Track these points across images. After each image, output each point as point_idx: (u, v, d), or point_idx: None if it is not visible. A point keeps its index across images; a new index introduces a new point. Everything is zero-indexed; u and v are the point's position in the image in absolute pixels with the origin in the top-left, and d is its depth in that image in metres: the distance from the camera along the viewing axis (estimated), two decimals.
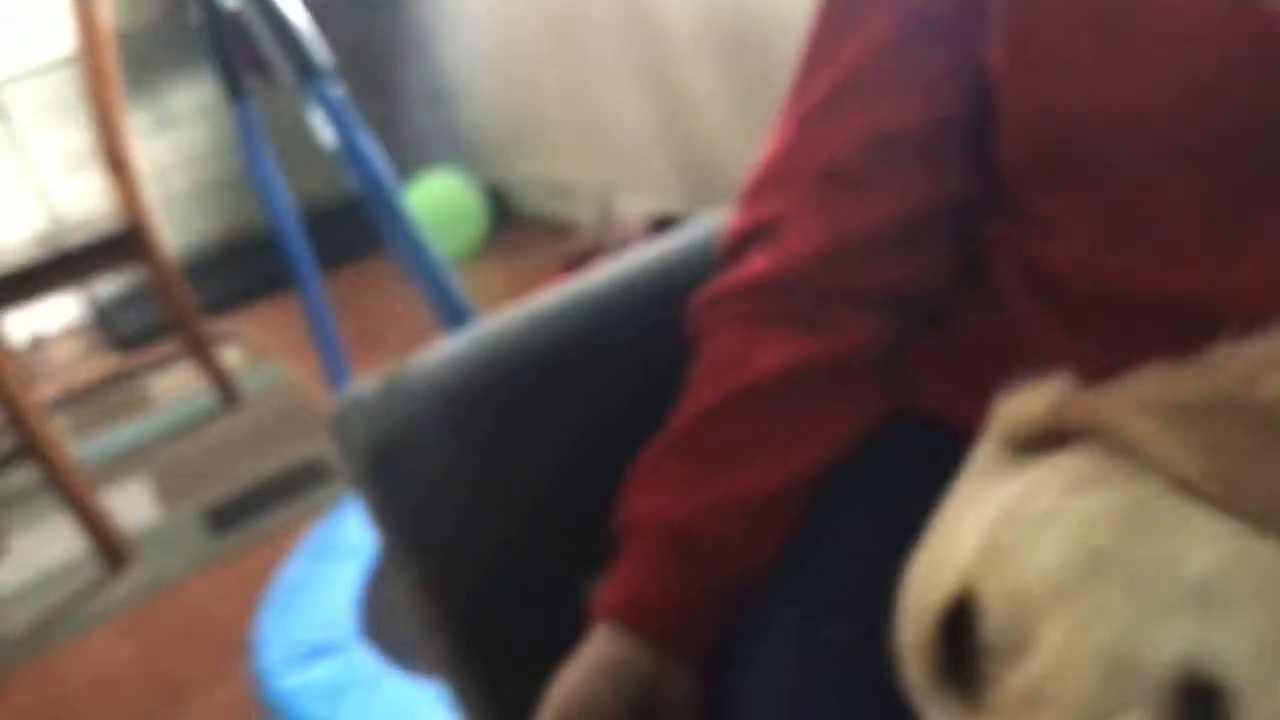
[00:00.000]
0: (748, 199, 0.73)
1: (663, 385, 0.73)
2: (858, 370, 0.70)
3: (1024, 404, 0.49)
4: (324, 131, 1.19)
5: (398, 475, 0.78)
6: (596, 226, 2.98)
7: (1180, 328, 0.55)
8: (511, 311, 0.84)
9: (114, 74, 2.38)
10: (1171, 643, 0.40)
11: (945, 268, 0.70)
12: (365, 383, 0.82)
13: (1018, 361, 0.65)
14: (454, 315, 1.15)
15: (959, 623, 0.44)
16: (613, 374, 0.81)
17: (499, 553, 0.79)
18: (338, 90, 1.16)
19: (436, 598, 0.80)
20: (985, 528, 0.44)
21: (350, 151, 1.12)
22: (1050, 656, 0.41)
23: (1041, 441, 0.47)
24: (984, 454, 0.50)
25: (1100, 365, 0.61)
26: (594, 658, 0.67)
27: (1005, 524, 0.44)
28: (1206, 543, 0.42)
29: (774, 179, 0.72)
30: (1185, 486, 0.43)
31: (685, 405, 0.70)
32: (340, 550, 1.86)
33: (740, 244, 0.72)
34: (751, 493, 0.67)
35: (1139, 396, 0.45)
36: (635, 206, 2.92)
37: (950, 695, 0.44)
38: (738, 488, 0.67)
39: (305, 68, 1.13)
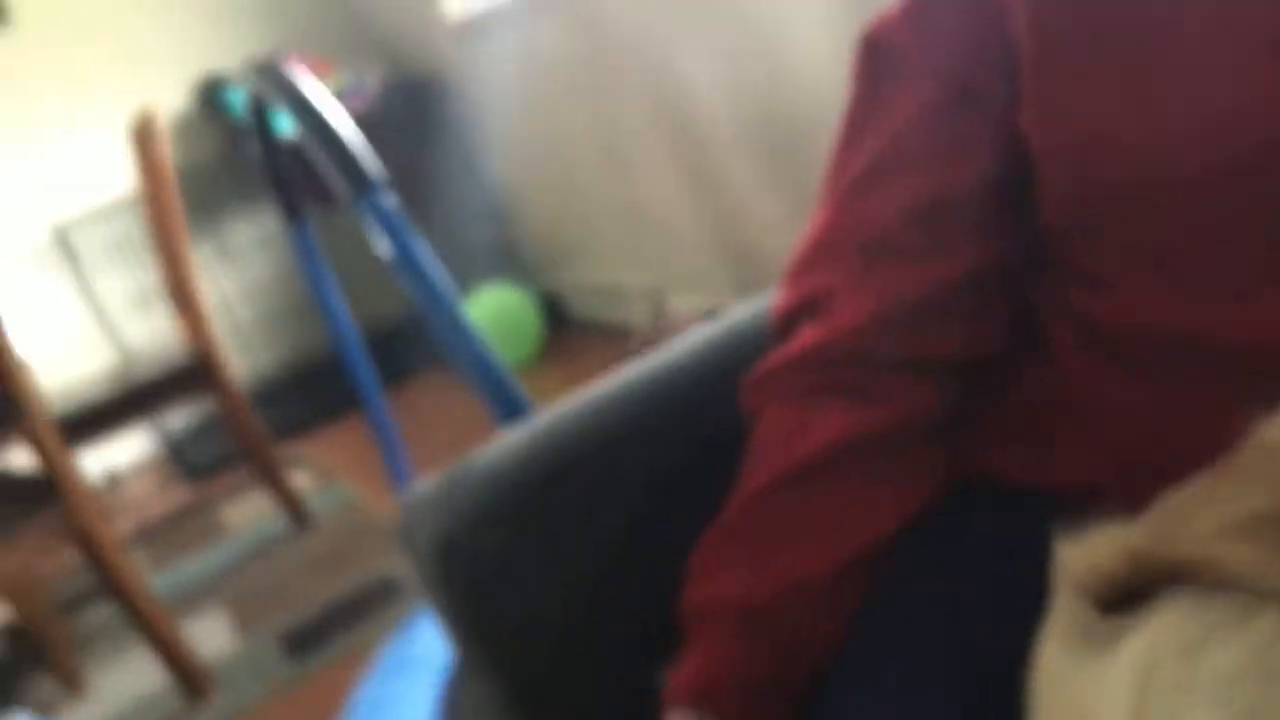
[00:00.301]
0: (794, 275, 0.74)
1: (719, 465, 0.73)
2: (915, 440, 0.69)
3: (1095, 551, 0.47)
4: (379, 244, 1.22)
5: (463, 567, 0.78)
6: (650, 326, 3.01)
7: (1243, 371, 0.54)
8: (568, 400, 0.85)
9: (177, 211, 2.47)
10: None
11: (997, 331, 0.69)
12: (429, 480, 0.83)
13: (1078, 421, 0.65)
14: (514, 414, 1.17)
15: None
16: (669, 456, 0.82)
17: (563, 640, 0.79)
18: (390, 199, 1.19)
19: (505, 689, 0.80)
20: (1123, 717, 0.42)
21: (405, 260, 1.15)
22: None
23: (1124, 591, 0.45)
24: (1065, 611, 0.48)
25: (1164, 414, 0.60)
26: None
27: (1144, 710, 0.41)
28: None
29: (820, 253, 0.72)
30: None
31: (742, 485, 0.70)
32: (415, 663, 1.85)
33: (789, 319, 0.73)
34: (814, 570, 0.66)
35: (1216, 519, 0.43)
36: (687, 305, 2.95)
37: None
38: (800, 567, 0.66)
39: (357, 180, 1.17)
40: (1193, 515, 0.44)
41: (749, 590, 0.66)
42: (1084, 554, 0.47)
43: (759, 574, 0.66)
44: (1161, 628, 0.43)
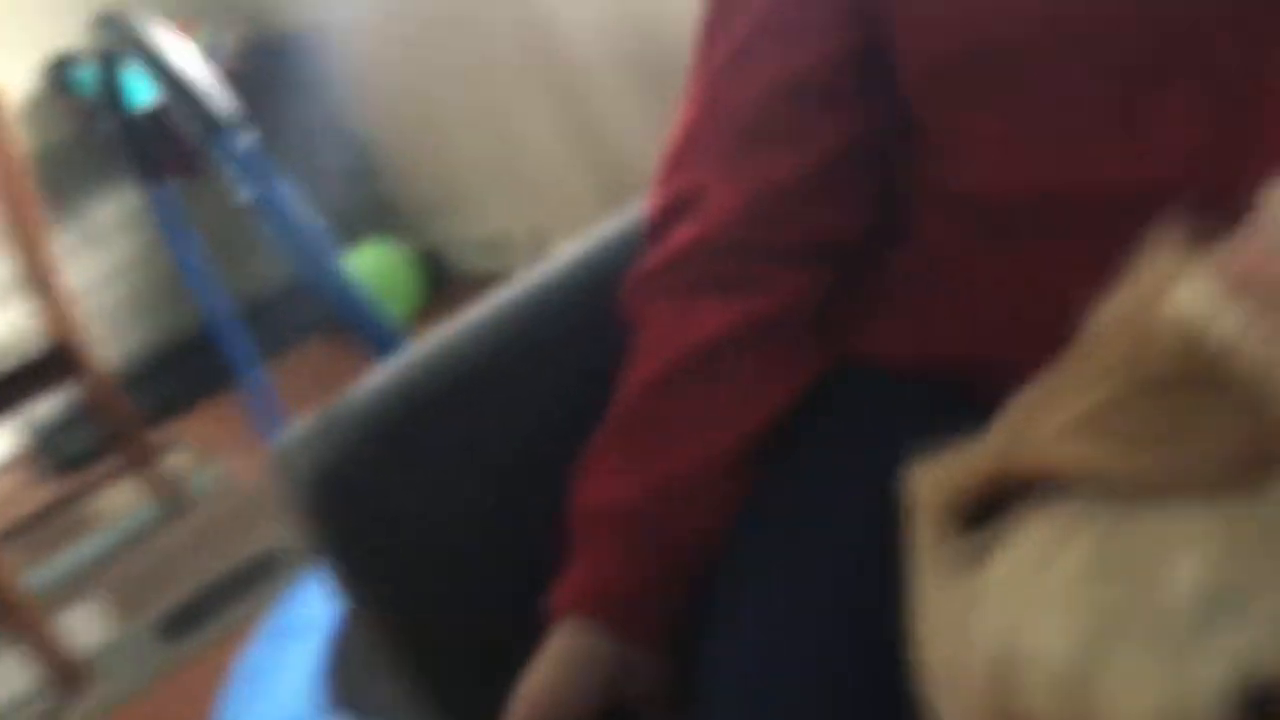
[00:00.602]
0: (664, 175, 0.73)
1: (603, 381, 0.72)
2: (794, 326, 0.69)
3: (948, 473, 0.46)
4: (241, 190, 1.18)
5: (342, 502, 0.76)
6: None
7: (1098, 225, 0.54)
8: (440, 330, 0.83)
9: (32, 197, 2.36)
10: (1214, 672, 0.38)
11: (867, 210, 0.70)
12: (304, 419, 0.81)
13: (947, 295, 0.66)
14: (390, 349, 1.13)
15: None
16: (549, 378, 0.81)
17: (452, 572, 0.77)
18: (247, 140, 1.15)
19: (393, 632, 0.78)
20: (990, 642, 0.42)
21: (267, 202, 1.10)
22: None
23: (983, 507, 0.45)
24: (928, 535, 0.47)
25: (1027, 281, 0.61)
26: (557, 652, 0.65)
27: (1008, 634, 0.41)
28: (1190, 547, 0.40)
29: (687, 150, 0.72)
30: (1138, 492, 0.41)
31: (624, 386, 0.69)
32: (297, 629, 1.81)
33: (663, 220, 0.72)
34: (697, 465, 0.66)
35: (1058, 419, 0.43)
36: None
37: None
38: (683, 462, 0.66)
39: (208, 122, 1.12)
40: (1037, 418, 0.44)
41: (632, 493, 0.66)
42: (938, 477, 0.47)
43: (642, 475, 0.66)
44: (1018, 541, 0.43)
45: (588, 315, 0.78)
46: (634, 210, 0.85)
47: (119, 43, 1.26)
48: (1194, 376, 0.41)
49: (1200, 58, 0.55)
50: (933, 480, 0.47)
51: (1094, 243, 0.48)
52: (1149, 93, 0.56)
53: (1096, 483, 0.41)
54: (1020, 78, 0.59)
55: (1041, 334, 0.48)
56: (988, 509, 0.44)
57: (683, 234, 0.70)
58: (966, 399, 0.54)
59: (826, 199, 0.68)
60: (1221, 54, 0.55)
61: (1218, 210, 0.45)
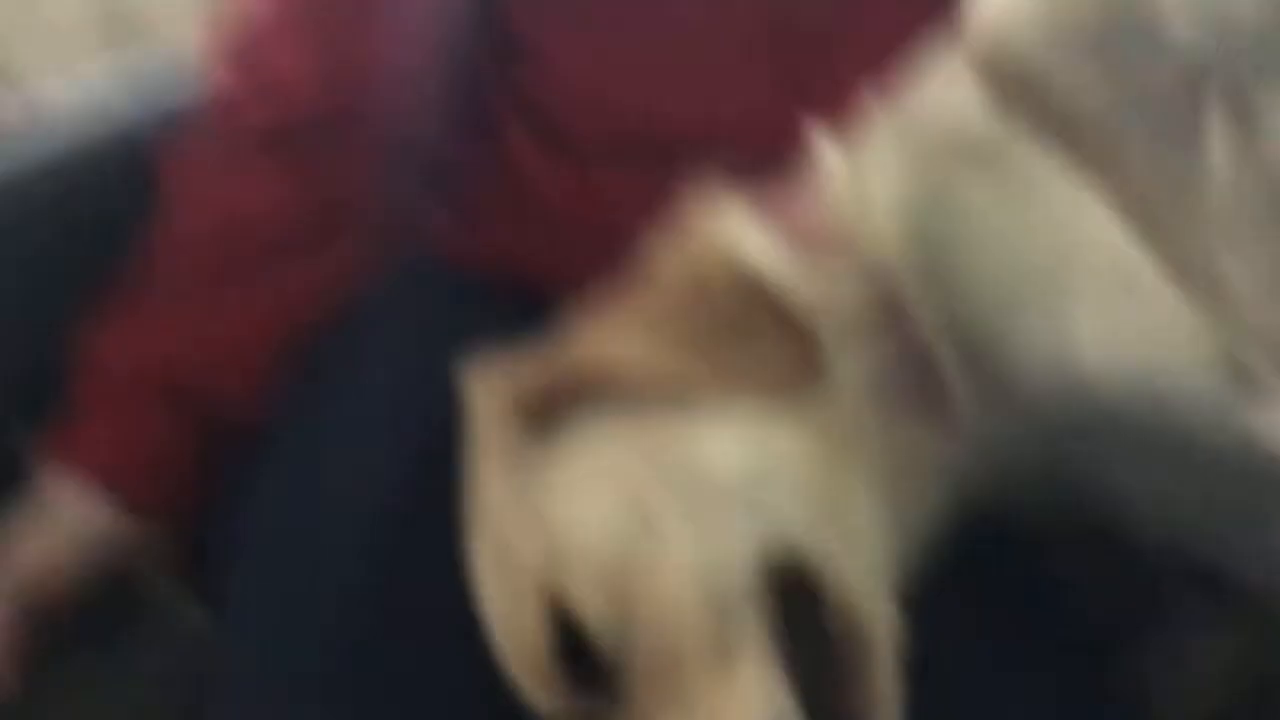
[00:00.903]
0: (229, 44, 0.67)
1: (118, 236, 0.66)
2: (356, 214, 0.66)
3: (511, 377, 0.48)
4: None
5: None
6: (18, 118, 2.61)
7: (667, 164, 0.55)
8: None
9: None
10: (744, 545, 0.41)
11: (443, 110, 0.68)
12: None
13: (518, 205, 0.66)
14: None
15: (568, 631, 0.43)
16: (55, 229, 0.71)
17: None
18: None
19: None
20: (544, 538, 0.44)
21: None
22: (654, 623, 0.41)
23: (545, 409, 0.46)
24: (488, 436, 0.48)
25: (597, 204, 0.63)
26: (64, 523, 0.60)
27: (560, 529, 0.44)
28: (727, 438, 0.43)
29: (257, 23, 0.66)
30: (690, 394, 0.44)
31: (160, 244, 0.64)
32: None
33: (225, 87, 0.67)
34: (238, 335, 0.62)
35: (618, 334, 0.46)
36: (60, 87, 2.58)
37: (591, 698, 0.43)
38: (221, 329, 0.62)
39: None
40: (600, 327, 0.47)
41: (174, 360, 0.61)
42: (500, 379, 0.48)
43: (176, 338, 0.62)
44: (575, 441, 0.45)
45: (94, 182, 0.71)
46: (139, 57, 0.78)
47: None
48: (745, 304, 0.44)
49: (767, 11, 0.58)
50: (494, 382, 0.48)
51: (662, 180, 0.50)
52: (717, 42, 0.59)
53: (653, 386, 0.44)
54: (609, 8, 0.60)
55: (607, 256, 0.50)
56: (549, 411, 0.46)
57: (240, 101, 0.65)
58: (534, 307, 0.55)
59: (401, 87, 0.66)
60: (785, 8, 0.58)
61: (777, 158, 0.49)
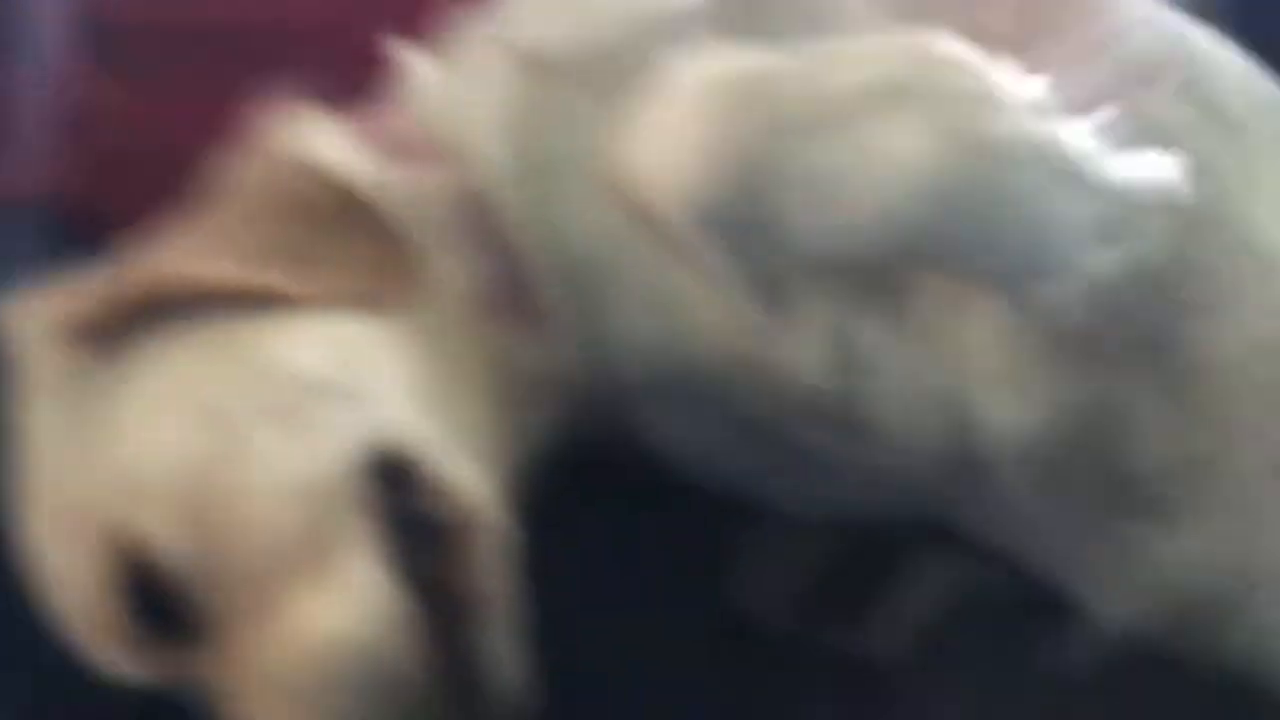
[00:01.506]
0: None
1: None
2: None
3: (67, 302, 0.44)
4: None
5: None
6: None
7: (236, 66, 0.53)
8: None
9: None
10: (339, 446, 0.40)
11: None
12: None
13: (71, 122, 0.61)
14: None
15: (140, 578, 0.40)
16: None
17: None
18: None
19: None
20: (114, 467, 0.41)
21: None
22: (242, 543, 0.39)
23: (114, 331, 0.43)
24: (44, 366, 0.44)
25: (157, 114, 0.59)
26: None
27: (132, 455, 0.41)
28: (308, 344, 0.42)
29: None
30: (270, 305, 0.42)
31: None
32: None
33: None
34: None
35: (192, 248, 0.44)
36: None
37: (171, 650, 0.40)
38: None
39: None
40: (172, 243, 0.45)
41: None
42: (54, 306, 0.44)
43: None
44: (146, 362, 0.43)
45: None
46: None
47: None
48: (324, 211, 0.43)
49: None
50: (47, 309, 0.44)
51: (228, 83, 0.48)
52: None
53: (234, 298, 0.42)
54: None
55: (174, 182, 0.47)
56: (116, 333, 0.43)
57: None
58: (90, 230, 0.51)
59: None
60: None
61: (352, 63, 0.48)
